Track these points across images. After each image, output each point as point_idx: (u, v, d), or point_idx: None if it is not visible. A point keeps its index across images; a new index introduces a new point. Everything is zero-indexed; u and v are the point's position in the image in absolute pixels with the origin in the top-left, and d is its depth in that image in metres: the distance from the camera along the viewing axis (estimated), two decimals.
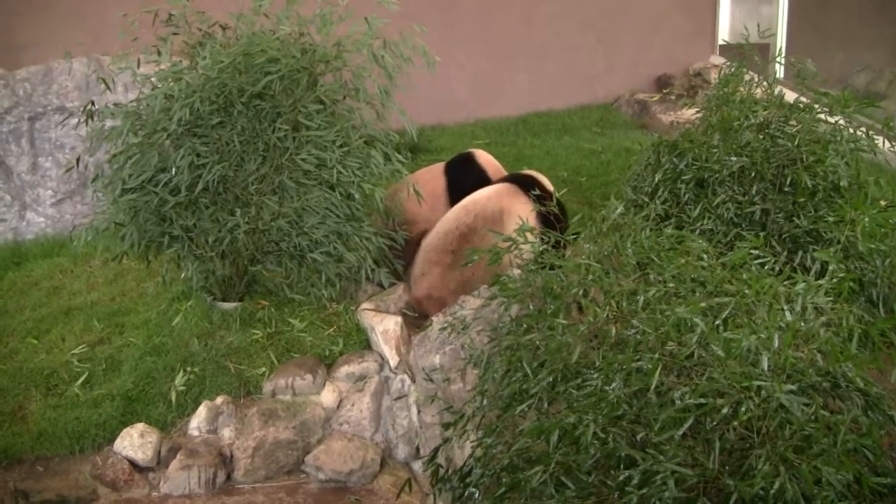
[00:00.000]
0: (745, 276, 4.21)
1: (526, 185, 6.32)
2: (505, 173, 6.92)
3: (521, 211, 5.95)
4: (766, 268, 4.41)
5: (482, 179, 6.74)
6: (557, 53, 10.84)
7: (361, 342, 6.29)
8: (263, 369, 6.10)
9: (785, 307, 4.00)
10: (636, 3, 11.07)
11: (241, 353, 6.17)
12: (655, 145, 6.18)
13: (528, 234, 4.92)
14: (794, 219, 5.54)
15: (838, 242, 5.22)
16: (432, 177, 7.02)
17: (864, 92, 10.32)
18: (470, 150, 7.37)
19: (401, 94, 6.27)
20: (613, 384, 3.80)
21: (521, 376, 4.32)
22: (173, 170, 5.98)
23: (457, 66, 10.22)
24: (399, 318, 6.20)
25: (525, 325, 4.60)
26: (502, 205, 6.18)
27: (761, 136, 5.78)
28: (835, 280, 4.27)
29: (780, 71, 6.88)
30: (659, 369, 3.68)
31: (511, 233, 4.98)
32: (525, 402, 4.21)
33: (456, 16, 10.38)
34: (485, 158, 7.11)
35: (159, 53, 6.20)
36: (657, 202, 5.70)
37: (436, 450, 4.79)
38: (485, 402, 4.61)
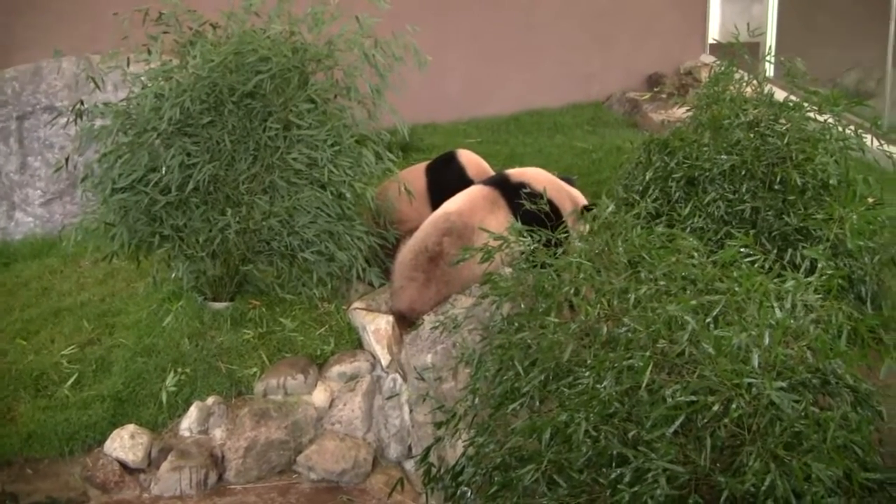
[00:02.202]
0: (735, 273, 4.22)
1: (509, 188, 6.24)
2: (490, 172, 6.88)
3: (493, 225, 5.82)
4: (756, 265, 4.42)
5: (462, 178, 6.73)
6: (550, 52, 10.84)
7: (353, 341, 6.28)
8: (255, 369, 6.08)
9: (775, 304, 4.02)
10: (627, 2, 11.07)
11: (233, 353, 6.15)
12: (646, 144, 6.20)
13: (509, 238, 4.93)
14: (784, 216, 5.56)
15: (827, 240, 5.24)
16: (414, 176, 7.00)
17: (854, 91, 10.34)
18: (454, 149, 7.35)
19: (393, 93, 6.26)
20: (605, 382, 3.81)
21: (513, 375, 4.33)
22: (163, 169, 5.96)
23: (450, 64, 10.20)
24: (390, 317, 6.18)
25: (517, 324, 4.61)
26: (473, 221, 6.05)
27: (751, 135, 5.80)
28: (824, 277, 4.29)
29: (769, 69, 6.91)
30: (650, 367, 3.69)
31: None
32: (517, 401, 4.22)
33: (449, 14, 10.37)
34: (467, 157, 7.08)
35: (149, 52, 6.18)
36: (648, 200, 5.72)
37: (428, 449, 4.79)
38: (477, 400, 4.62)
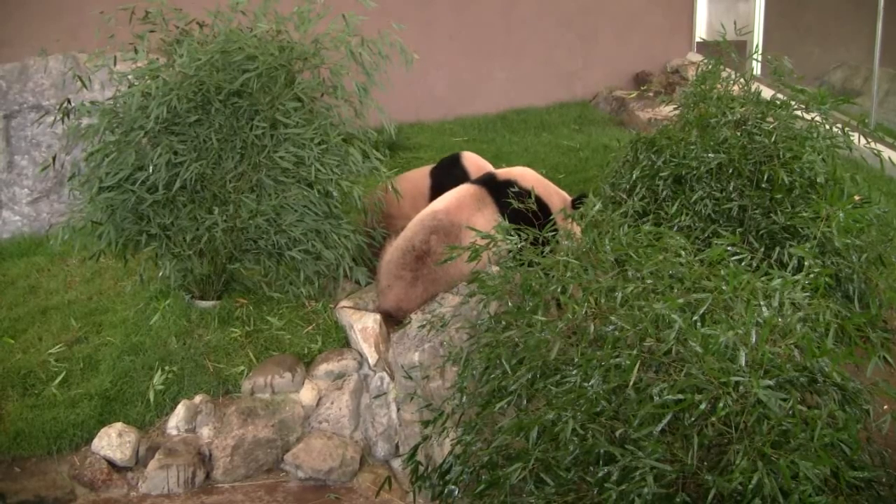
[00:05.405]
0: (722, 272, 4.23)
1: (496, 186, 6.25)
2: None
3: (480, 223, 5.87)
4: (743, 264, 4.43)
5: (465, 181, 6.73)
6: (536, 50, 10.86)
7: (340, 340, 6.28)
8: (242, 368, 6.07)
9: (762, 303, 4.03)
10: (615, 1, 11.10)
11: (220, 351, 6.15)
12: (633, 142, 6.20)
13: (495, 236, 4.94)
14: (771, 215, 5.57)
15: (814, 238, 5.25)
16: (418, 177, 7.02)
17: (841, 89, 10.39)
18: (460, 152, 7.34)
19: (380, 92, 6.26)
20: (592, 381, 3.81)
21: (500, 373, 4.33)
22: (150, 168, 5.95)
23: (436, 63, 10.22)
24: (378, 316, 6.18)
25: (504, 323, 4.61)
26: (460, 219, 6.07)
27: (738, 133, 5.81)
28: (811, 276, 4.30)
29: (756, 68, 6.93)
30: (637, 366, 3.69)
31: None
32: (504, 399, 4.22)
33: (434, 13, 10.38)
34: (471, 160, 7.08)
35: (136, 51, 6.17)
36: (635, 199, 5.73)
37: (415, 447, 4.79)
38: (464, 399, 4.62)
